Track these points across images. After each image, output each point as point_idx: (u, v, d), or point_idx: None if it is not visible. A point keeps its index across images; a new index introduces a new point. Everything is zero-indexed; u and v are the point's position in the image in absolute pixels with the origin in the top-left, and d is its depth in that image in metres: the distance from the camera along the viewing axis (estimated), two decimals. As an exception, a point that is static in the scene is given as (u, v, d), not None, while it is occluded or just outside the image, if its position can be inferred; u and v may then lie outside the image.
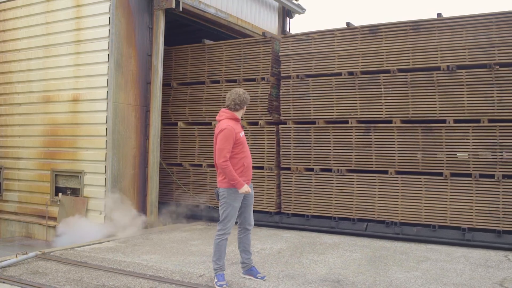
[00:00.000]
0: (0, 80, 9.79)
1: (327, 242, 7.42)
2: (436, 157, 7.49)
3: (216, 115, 5.28)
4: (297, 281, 5.22)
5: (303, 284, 5.12)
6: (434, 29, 7.63)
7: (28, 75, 9.35)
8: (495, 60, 7.20)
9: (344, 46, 8.27)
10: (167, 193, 9.86)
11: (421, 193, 7.59)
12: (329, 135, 8.32)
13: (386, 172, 7.88)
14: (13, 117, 9.57)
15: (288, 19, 13.08)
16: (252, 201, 5.22)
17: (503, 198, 7.07)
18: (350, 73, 8.18)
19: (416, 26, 7.76)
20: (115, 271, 5.54)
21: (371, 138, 7.99)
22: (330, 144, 8.31)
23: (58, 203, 8.74)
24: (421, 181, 7.61)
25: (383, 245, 7.19)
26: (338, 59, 8.30)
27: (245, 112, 5.79)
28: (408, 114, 7.75)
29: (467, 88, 7.37)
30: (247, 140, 6.00)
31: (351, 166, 8.15)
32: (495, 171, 7.15)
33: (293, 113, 8.66)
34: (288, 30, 13.05)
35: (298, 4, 13.01)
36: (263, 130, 8.87)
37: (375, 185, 7.93)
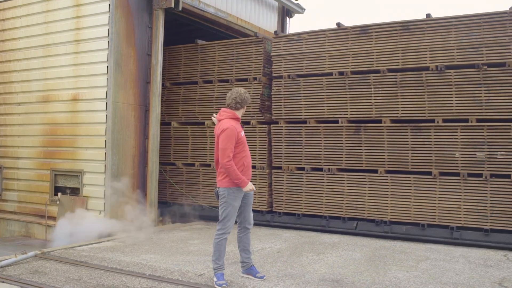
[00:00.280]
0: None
1: (326, 241, 7.43)
2: (426, 156, 7.55)
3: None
4: (297, 280, 5.21)
5: (303, 283, 5.11)
6: (423, 30, 7.67)
7: (27, 75, 9.38)
8: (483, 60, 7.23)
9: (334, 46, 8.33)
10: (160, 192, 9.93)
11: (410, 192, 7.64)
12: (320, 135, 8.38)
13: (376, 171, 7.93)
14: (13, 117, 9.60)
15: (287, 18, 13.12)
16: (252, 200, 5.21)
17: (490, 197, 7.11)
18: (341, 73, 8.24)
19: (406, 27, 7.80)
20: (114, 271, 5.53)
21: (361, 138, 8.04)
22: (321, 143, 8.37)
23: (58, 202, 8.75)
24: (410, 180, 7.65)
25: (382, 245, 7.20)
26: (328, 59, 8.36)
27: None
28: (398, 113, 7.80)
29: (455, 88, 7.41)
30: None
31: (341, 166, 8.21)
32: (483, 171, 7.19)
33: (285, 113, 8.73)
34: (287, 29, 13.10)
35: (298, 3, 13.02)
36: (255, 130, 8.93)
37: (365, 184, 7.98)
